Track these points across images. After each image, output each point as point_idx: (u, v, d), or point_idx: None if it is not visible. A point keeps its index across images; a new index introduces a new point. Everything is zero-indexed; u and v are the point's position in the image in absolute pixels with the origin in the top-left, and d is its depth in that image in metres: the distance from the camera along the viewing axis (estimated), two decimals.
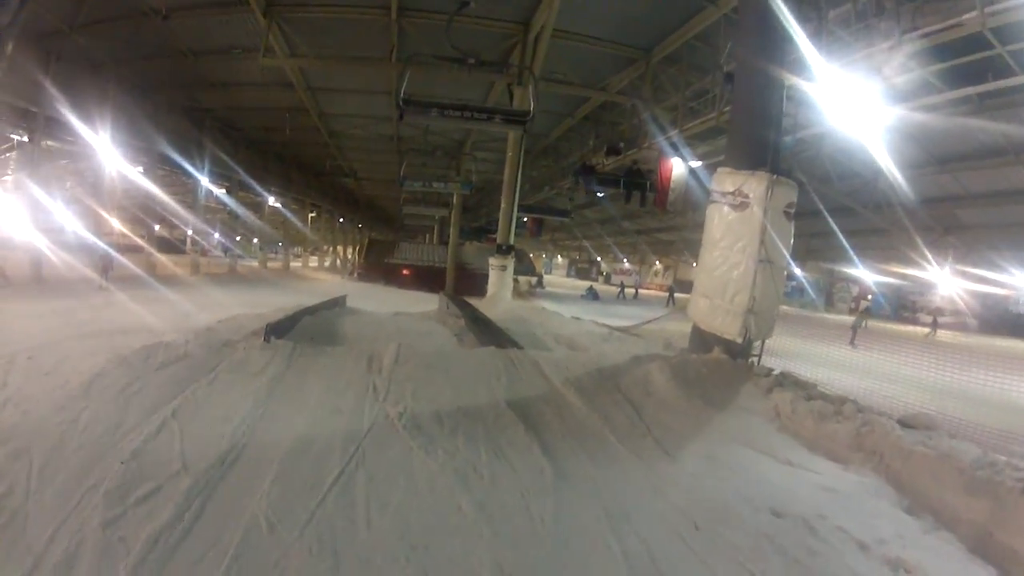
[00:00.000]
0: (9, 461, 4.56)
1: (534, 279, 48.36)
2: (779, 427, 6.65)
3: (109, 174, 24.27)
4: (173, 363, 7.03)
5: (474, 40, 17.95)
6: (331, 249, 61.65)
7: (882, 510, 4.81)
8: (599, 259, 76.62)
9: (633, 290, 50.45)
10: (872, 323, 25.23)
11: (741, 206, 8.91)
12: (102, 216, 24.49)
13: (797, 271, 35.84)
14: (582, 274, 78.80)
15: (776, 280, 9.10)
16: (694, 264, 51.69)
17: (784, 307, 10.85)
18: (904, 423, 6.31)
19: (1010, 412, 8.72)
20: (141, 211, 31.22)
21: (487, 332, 11.86)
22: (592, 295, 42.38)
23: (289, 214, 43.96)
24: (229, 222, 40.08)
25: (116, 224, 26.24)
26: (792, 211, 9.05)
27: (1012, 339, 28.76)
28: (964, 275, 29.94)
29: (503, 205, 22.71)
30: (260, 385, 6.57)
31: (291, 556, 3.64)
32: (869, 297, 42.19)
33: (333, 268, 55.01)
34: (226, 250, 41.81)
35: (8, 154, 25.41)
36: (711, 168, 21.68)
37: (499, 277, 22.40)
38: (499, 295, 21.80)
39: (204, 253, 34.84)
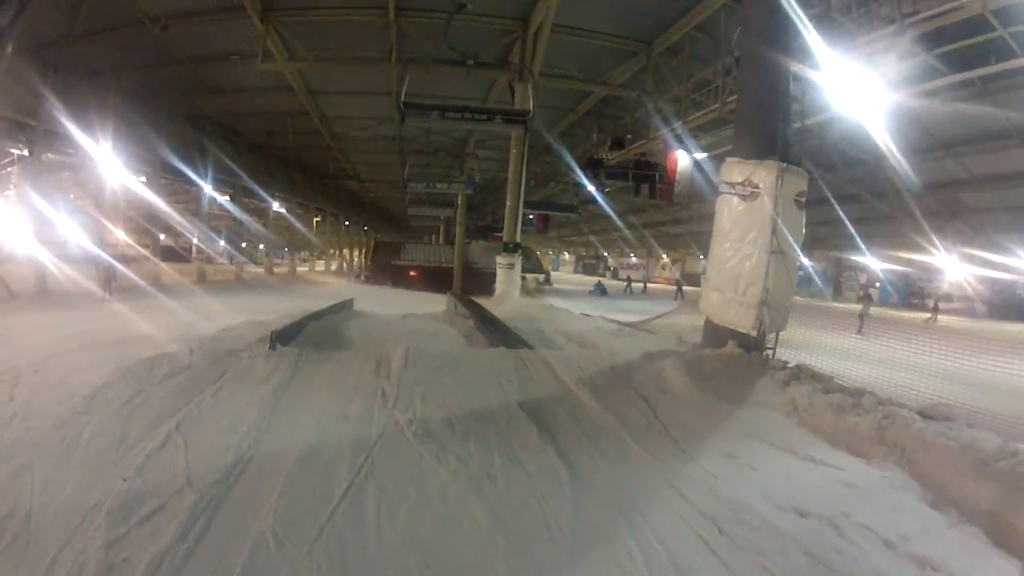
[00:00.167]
0: (12, 480, 4.43)
1: (541, 276, 48.32)
2: (798, 421, 6.48)
3: (111, 185, 24.18)
4: (177, 374, 6.89)
5: (473, 37, 17.97)
6: (337, 252, 61.57)
7: (906, 505, 4.64)
8: (606, 254, 76.61)
9: (641, 284, 50.37)
10: (874, 310, 24.97)
11: (751, 196, 8.76)
12: (106, 227, 24.40)
13: (804, 260, 35.74)
14: (589, 270, 78.79)
15: (789, 271, 8.94)
16: (701, 257, 52.41)
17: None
18: (923, 414, 6.15)
19: (1017, 397, 8.68)
20: (146, 220, 31.11)
21: (496, 332, 11.76)
22: (600, 291, 42.45)
23: (293, 219, 43.87)
24: (234, 228, 40.03)
25: (120, 234, 26.19)
26: (803, 200, 8.89)
27: (1021, 324, 28.64)
28: (971, 260, 29.87)
29: (508, 203, 22.62)
30: (265, 394, 6.44)
31: (300, 574, 3.50)
32: (877, 285, 41.96)
33: (340, 271, 54.97)
34: (231, 257, 41.75)
35: (9, 168, 25.35)
36: (716, 159, 21.85)
37: (506, 275, 22.32)
38: (507, 293, 21.73)
39: (210, 261, 34.75)
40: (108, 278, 20.48)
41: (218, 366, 7.26)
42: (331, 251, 61.41)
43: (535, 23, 18.00)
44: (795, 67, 10.62)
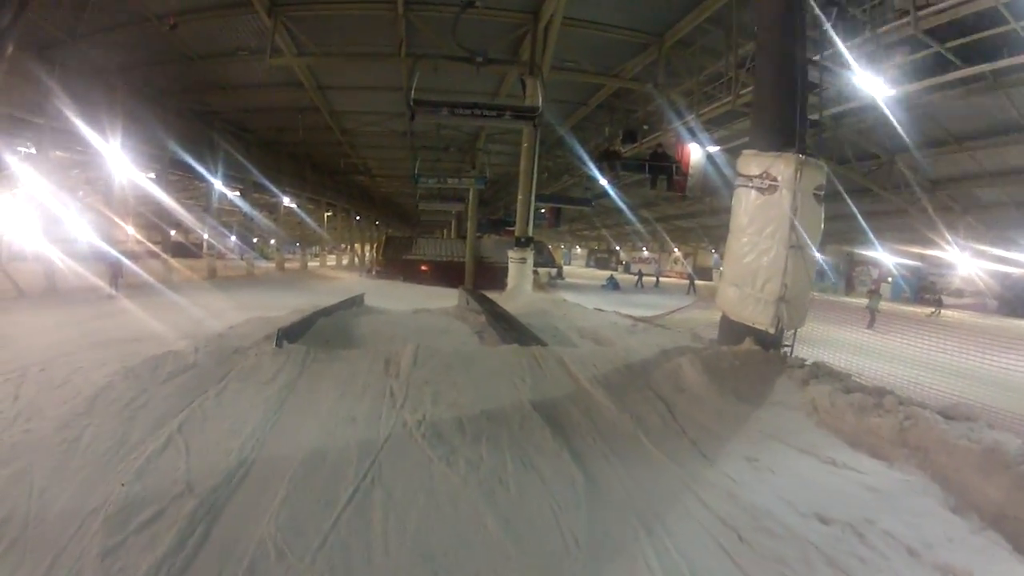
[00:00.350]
0: (11, 484, 4.31)
1: (553, 271, 48.23)
2: (818, 422, 6.30)
3: (120, 181, 24.17)
4: (181, 373, 6.75)
5: (483, 31, 17.85)
6: (348, 247, 61.59)
7: (929, 510, 4.49)
8: (618, 248, 76.56)
9: (654, 278, 50.28)
10: (881, 305, 24.85)
11: (769, 189, 8.55)
12: (115, 224, 24.38)
13: (817, 255, 35.62)
14: (601, 264, 78.75)
15: (808, 267, 8.73)
16: (713, 251, 52.17)
17: None
18: (944, 414, 5.98)
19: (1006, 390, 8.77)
20: (156, 217, 31.10)
21: (509, 328, 11.59)
22: (612, 285, 42.39)
23: (304, 214, 43.86)
24: (245, 224, 40.05)
25: (130, 231, 26.18)
26: (822, 193, 8.68)
27: None
28: (983, 255, 29.73)
29: (520, 197, 22.44)
30: (271, 394, 6.29)
31: None
32: (889, 279, 41.74)
33: (351, 266, 54.93)
34: (242, 253, 41.77)
35: (18, 166, 25.39)
36: (729, 153, 21.68)
37: (519, 270, 22.14)
38: (519, 288, 21.56)
39: (220, 256, 34.76)
40: (115, 274, 20.39)
41: (223, 365, 7.12)
42: (342, 246, 61.37)
43: (545, 16, 17.84)
44: (810, 59, 10.42)
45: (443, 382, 6.81)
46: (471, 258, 34.37)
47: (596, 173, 28.26)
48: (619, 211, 41.03)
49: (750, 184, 8.83)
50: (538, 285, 28.61)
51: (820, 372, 7.60)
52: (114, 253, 21.56)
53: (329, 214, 51.63)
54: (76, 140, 21.31)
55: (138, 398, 5.97)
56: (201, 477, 4.43)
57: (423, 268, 39.89)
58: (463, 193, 36.17)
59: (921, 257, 34.97)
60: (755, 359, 8.16)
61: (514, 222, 23.51)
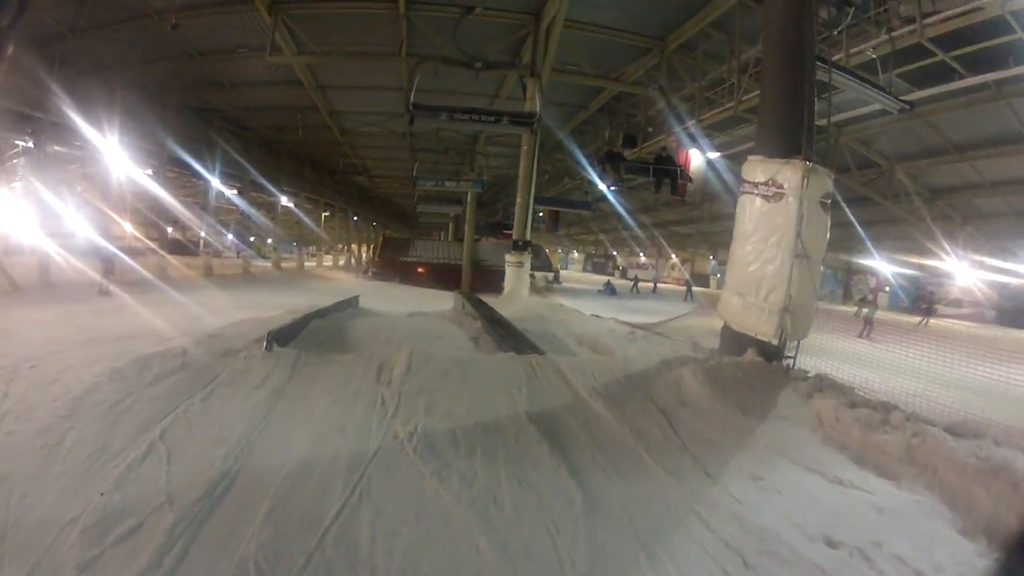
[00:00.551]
0: None
1: (551, 275, 48.18)
2: (823, 437, 6.14)
3: (118, 177, 24.09)
4: (168, 376, 6.53)
5: (484, 32, 17.85)
6: (345, 248, 61.51)
7: (938, 533, 4.40)
8: (615, 253, 76.68)
9: (651, 284, 50.28)
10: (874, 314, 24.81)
11: (775, 197, 8.38)
12: (113, 219, 24.28)
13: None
14: (598, 268, 78.80)
15: (813, 276, 8.56)
16: (711, 257, 52.19)
17: None
18: (952, 431, 5.83)
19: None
20: (153, 213, 31.01)
21: (505, 335, 11.40)
22: (610, 290, 42.38)
23: (302, 213, 43.80)
24: (243, 222, 39.99)
25: (127, 227, 26.13)
26: (828, 202, 8.53)
27: None
28: (982, 265, 29.80)
29: (519, 200, 22.35)
30: (259, 400, 6.07)
31: None
32: (887, 289, 41.76)
33: (348, 267, 54.85)
34: (239, 251, 41.73)
35: (16, 160, 25.31)
36: (730, 159, 21.57)
37: (516, 274, 22.03)
38: (516, 292, 21.48)
39: (217, 255, 34.71)
40: (107, 268, 20.20)
41: (212, 368, 6.90)
42: (339, 246, 61.31)
43: (547, 18, 17.76)
44: (816, 65, 10.28)
45: (437, 391, 6.60)
46: (468, 261, 34.27)
47: (595, 177, 28.20)
48: (617, 216, 41.09)
49: (755, 191, 8.67)
50: (535, 289, 28.51)
51: (824, 385, 7.47)
52: (108, 247, 21.40)
53: (327, 214, 51.70)
54: (75, 135, 21.34)
55: (123, 401, 5.77)
56: (182, 488, 4.23)
57: (420, 270, 39.81)
58: (461, 195, 36.34)
59: (920, 267, 34.97)
60: (758, 371, 7.99)
61: (512, 225, 23.40)
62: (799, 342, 8.98)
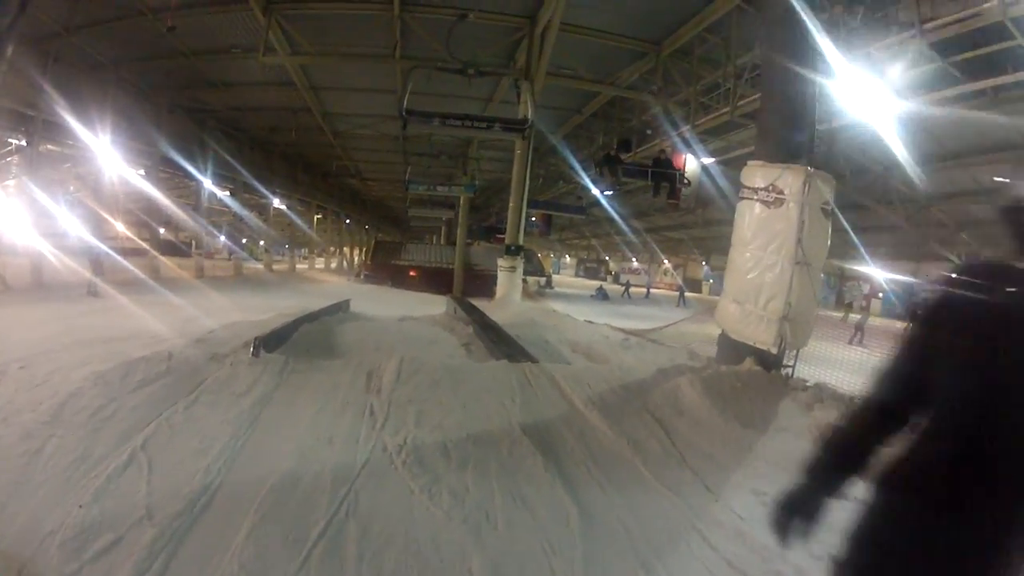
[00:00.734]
0: None
1: (543, 279, 48.12)
2: None
3: (110, 177, 23.96)
4: (152, 382, 6.34)
5: (479, 35, 17.73)
6: (337, 250, 61.39)
7: None
8: (607, 258, 76.72)
9: (644, 289, 50.31)
10: (853, 317, 24.79)
11: (775, 203, 8.24)
12: (105, 219, 24.13)
13: None
14: (590, 273, 78.74)
15: (814, 283, 8.42)
16: (704, 263, 52.10)
17: None
18: None
19: None
20: (145, 214, 30.85)
21: (498, 342, 11.21)
22: (602, 295, 42.28)
23: (295, 216, 43.69)
24: (235, 224, 39.87)
25: (120, 227, 25.99)
26: (829, 208, 8.39)
27: None
28: None
29: (512, 204, 22.19)
30: (244, 408, 5.90)
31: None
32: (880, 295, 41.87)
33: (340, 270, 54.77)
34: (231, 253, 41.61)
35: (9, 158, 25.17)
36: (725, 164, 21.47)
37: (508, 279, 21.88)
38: (508, 297, 21.31)
39: (209, 256, 34.59)
40: (96, 268, 20.03)
41: (197, 373, 6.75)
42: (331, 249, 61.16)
43: (542, 21, 17.57)
44: (813, 71, 10.17)
45: (428, 400, 6.43)
46: (460, 266, 34.13)
47: (589, 182, 28.09)
48: (610, 221, 41.09)
49: (755, 196, 8.52)
50: (527, 293, 28.40)
51: (824, 395, 7.35)
52: (98, 245, 21.29)
53: (319, 216, 51.56)
54: (68, 134, 21.20)
55: (106, 407, 5.61)
56: (162, 501, 4.07)
57: (412, 273, 39.64)
58: (454, 200, 36.32)
59: (915, 273, 34.97)
60: (757, 380, 7.85)
61: (505, 229, 23.28)
62: (798, 351, 8.84)
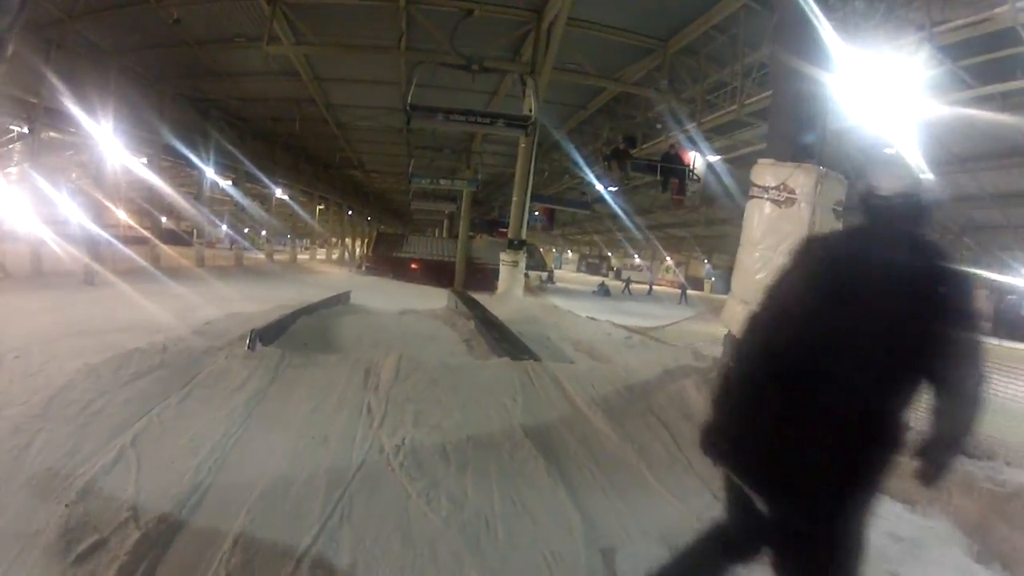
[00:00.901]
0: None
1: (544, 274, 48.11)
2: None
3: (112, 165, 23.91)
4: (145, 375, 6.19)
5: (485, 29, 17.68)
6: (339, 242, 61.39)
7: (953, 561, 4.19)
8: (609, 254, 76.83)
9: (646, 286, 50.36)
10: None
11: (786, 202, 8.04)
12: (107, 207, 24.07)
13: None
14: (592, 269, 78.87)
15: None
16: (706, 261, 52.13)
17: None
18: (966, 452, 5.57)
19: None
20: (147, 203, 30.80)
21: (500, 338, 11.02)
22: (603, 291, 42.34)
23: (297, 206, 43.68)
24: (236, 214, 39.86)
25: (121, 215, 25.97)
26: (841, 209, 8.20)
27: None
28: (978, 278, 29.90)
29: (515, 199, 22.16)
30: (238, 404, 5.75)
31: None
32: None
33: (341, 261, 54.76)
34: (233, 242, 41.63)
35: (11, 146, 25.13)
36: (731, 163, 21.33)
37: (510, 273, 21.82)
38: (510, 292, 21.22)
39: (211, 245, 34.58)
40: (93, 256, 19.93)
41: (191, 367, 6.58)
42: (333, 240, 61.16)
43: (549, 15, 17.43)
44: (825, 70, 10.02)
45: (427, 399, 6.28)
46: (462, 260, 34.04)
47: (593, 177, 28.00)
48: (612, 217, 41.08)
49: (765, 195, 8.33)
50: (528, 288, 28.31)
51: None
52: (97, 232, 21.24)
53: (321, 207, 51.61)
54: (70, 121, 21.11)
55: (96, 401, 5.44)
56: (149, 502, 3.90)
57: (413, 266, 39.60)
58: (456, 193, 36.22)
59: None
60: None
61: (508, 223, 23.20)
62: None
